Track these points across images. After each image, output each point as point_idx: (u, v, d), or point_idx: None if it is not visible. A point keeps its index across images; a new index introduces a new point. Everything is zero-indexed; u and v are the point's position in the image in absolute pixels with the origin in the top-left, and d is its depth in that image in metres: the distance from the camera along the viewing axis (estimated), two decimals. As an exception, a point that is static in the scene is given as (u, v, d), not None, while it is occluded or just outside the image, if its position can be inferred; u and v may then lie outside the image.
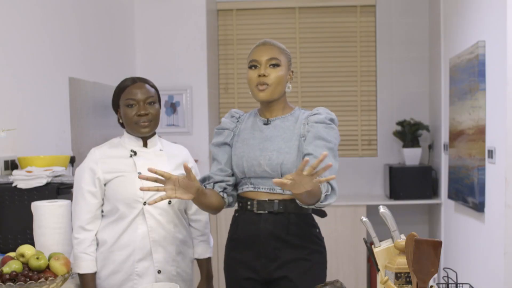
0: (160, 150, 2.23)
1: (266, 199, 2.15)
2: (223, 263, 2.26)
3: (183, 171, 2.22)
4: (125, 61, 4.48)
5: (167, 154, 2.23)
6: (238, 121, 2.29)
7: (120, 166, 2.14)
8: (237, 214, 2.24)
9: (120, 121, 2.21)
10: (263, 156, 2.14)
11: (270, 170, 2.13)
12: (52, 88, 3.22)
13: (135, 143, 2.20)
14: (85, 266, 2.10)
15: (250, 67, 2.18)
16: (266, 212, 2.14)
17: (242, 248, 2.17)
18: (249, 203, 2.18)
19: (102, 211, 2.16)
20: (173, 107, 4.69)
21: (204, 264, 2.32)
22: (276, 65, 2.15)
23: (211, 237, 2.38)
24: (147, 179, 1.86)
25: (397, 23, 4.85)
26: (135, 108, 2.13)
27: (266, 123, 2.22)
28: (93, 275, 2.10)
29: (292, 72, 2.24)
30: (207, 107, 4.66)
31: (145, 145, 2.21)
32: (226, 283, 2.26)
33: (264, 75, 2.13)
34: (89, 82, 3.62)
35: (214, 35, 4.96)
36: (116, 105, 2.20)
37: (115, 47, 4.24)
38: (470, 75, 3.29)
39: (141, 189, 1.85)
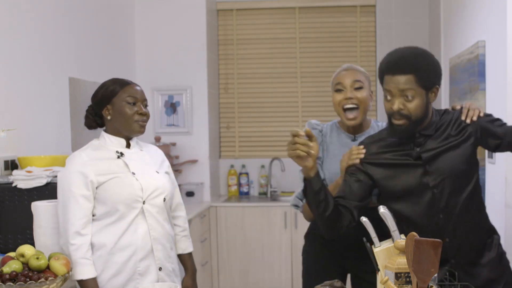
0: (141, 150, 2.24)
1: None
2: (304, 246, 2.51)
3: (165, 169, 2.29)
4: (125, 61, 4.48)
5: (148, 154, 2.25)
6: (322, 134, 2.42)
7: (112, 167, 2.11)
8: None
9: (109, 117, 2.14)
10: None
11: None
12: (52, 88, 3.22)
13: (118, 144, 2.17)
14: (87, 271, 2.04)
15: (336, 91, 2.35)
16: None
17: (331, 243, 2.37)
18: None
19: (94, 215, 2.10)
20: (173, 107, 4.68)
21: (188, 259, 2.35)
22: (360, 88, 2.32)
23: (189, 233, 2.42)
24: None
25: (397, 23, 4.85)
26: (136, 106, 2.13)
27: (354, 139, 2.37)
28: (96, 279, 2.06)
29: (372, 92, 2.40)
30: (207, 107, 4.66)
31: (127, 146, 2.20)
32: (303, 258, 2.50)
33: (351, 97, 2.31)
34: (89, 82, 3.62)
35: (214, 35, 4.96)
36: (106, 101, 2.14)
37: (115, 47, 4.24)
38: (470, 75, 3.29)
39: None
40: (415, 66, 1.96)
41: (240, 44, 5.04)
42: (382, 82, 2.05)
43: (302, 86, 5.01)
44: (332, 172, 2.34)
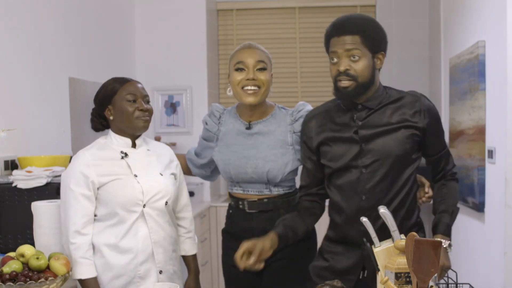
0: (148, 150, 2.19)
1: (256, 199, 2.28)
2: (222, 249, 2.45)
3: (172, 171, 2.24)
4: (125, 61, 4.48)
5: (155, 154, 2.21)
6: (219, 122, 2.35)
7: (114, 168, 2.08)
8: (231, 211, 2.39)
9: (111, 118, 2.13)
10: (249, 165, 2.23)
11: (256, 177, 2.25)
12: (52, 88, 3.22)
13: (123, 144, 2.14)
14: (88, 270, 2.02)
15: (236, 70, 2.25)
16: (257, 211, 2.27)
17: (238, 240, 2.24)
18: (240, 203, 2.32)
19: (95, 215, 2.08)
20: (173, 107, 4.69)
21: (192, 261, 2.33)
22: (263, 69, 2.25)
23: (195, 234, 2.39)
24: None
25: (397, 23, 4.85)
26: (136, 103, 2.10)
27: (248, 127, 2.28)
28: (96, 279, 2.04)
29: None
30: (207, 107, 4.66)
31: (133, 145, 2.16)
32: (223, 267, 2.43)
33: (253, 79, 2.21)
34: (89, 82, 3.62)
35: (214, 35, 4.96)
36: (107, 101, 2.13)
37: (115, 47, 4.24)
38: (470, 75, 3.29)
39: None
40: (361, 26, 1.99)
41: (240, 44, 5.03)
42: (328, 48, 2.07)
43: (302, 86, 5.01)
44: (226, 163, 2.29)
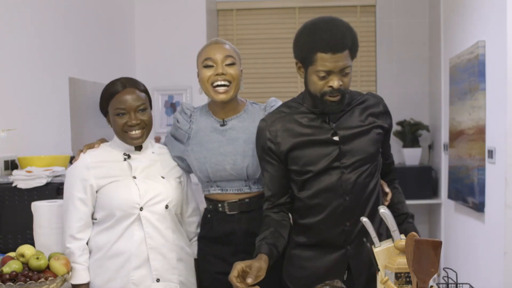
0: (153, 153, 2.17)
1: (236, 199, 2.19)
2: (198, 257, 2.28)
3: (177, 175, 2.22)
4: (125, 61, 4.48)
5: (160, 157, 2.19)
6: (190, 121, 2.27)
7: (114, 171, 2.07)
8: (209, 216, 2.25)
9: (110, 126, 2.12)
10: (227, 161, 2.16)
11: (235, 173, 2.17)
12: (52, 88, 3.22)
13: (127, 146, 2.12)
14: (77, 276, 2.01)
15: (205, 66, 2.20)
16: (239, 212, 2.18)
17: (219, 245, 2.20)
18: (219, 205, 2.21)
19: (95, 218, 2.07)
20: (173, 107, 4.69)
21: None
22: (232, 64, 2.21)
23: None
24: None
25: (397, 23, 4.85)
26: (126, 117, 2.05)
27: (223, 124, 2.22)
28: (87, 285, 2.03)
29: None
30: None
31: (137, 148, 2.14)
32: (201, 277, 2.27)
33: (223, 73, 2.17)
34: (89, 82, 3.62)
35: (214, 35, 4.95)
36: (104, 110, 2.11)
37: (115, 47, 4.24)
38: (470, 75, 3.29)
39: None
40: (351, 40, 1.92)
41: (240, 44, 5.04)
42: (308, 59, 2.01)
43: (302, 86, 4.99)
44: (201, 161, 2.19)
